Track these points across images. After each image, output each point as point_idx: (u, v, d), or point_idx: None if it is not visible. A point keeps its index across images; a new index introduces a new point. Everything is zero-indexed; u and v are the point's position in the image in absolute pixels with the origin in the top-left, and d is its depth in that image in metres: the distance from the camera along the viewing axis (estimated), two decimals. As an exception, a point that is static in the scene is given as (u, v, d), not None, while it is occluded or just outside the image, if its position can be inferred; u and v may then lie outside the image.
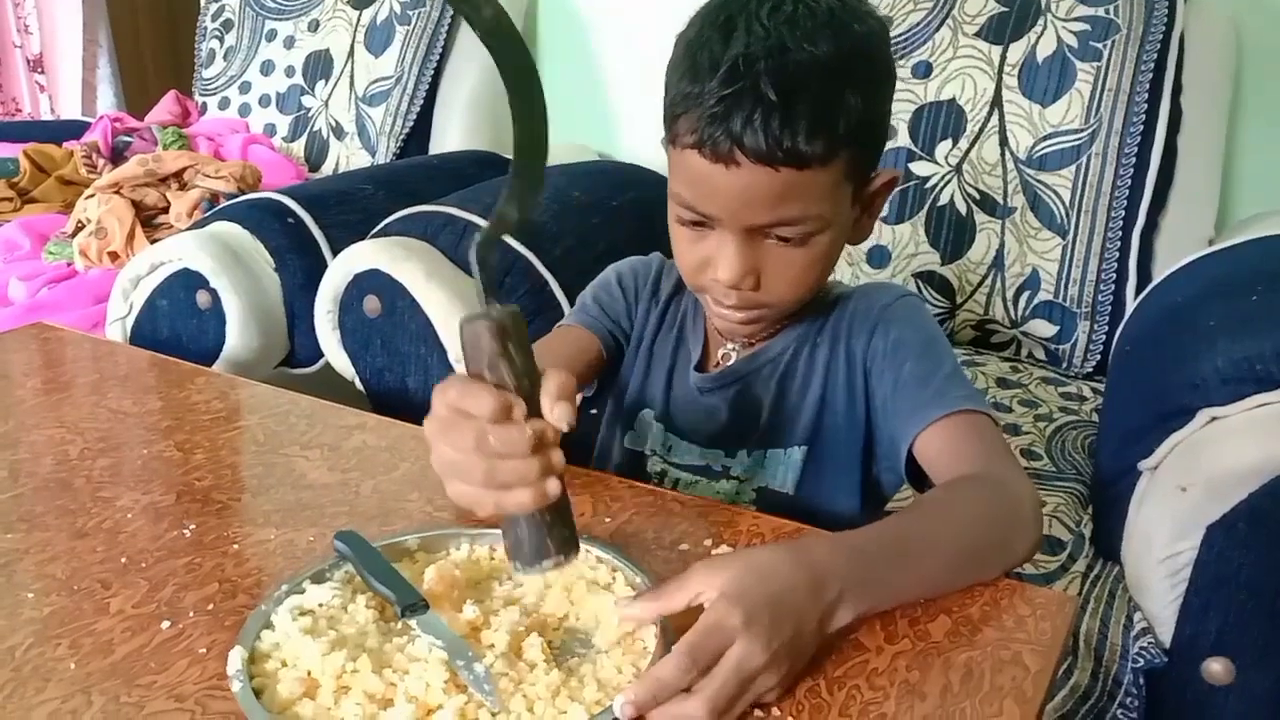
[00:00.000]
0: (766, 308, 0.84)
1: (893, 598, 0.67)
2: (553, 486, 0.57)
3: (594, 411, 1.02)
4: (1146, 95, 1.52)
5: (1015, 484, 0.75)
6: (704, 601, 0.59)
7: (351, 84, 2.28)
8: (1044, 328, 1.57)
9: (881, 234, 1.64)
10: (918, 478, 0.84)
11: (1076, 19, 1.56)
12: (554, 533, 0.59)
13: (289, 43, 2.40)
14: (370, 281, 1.43)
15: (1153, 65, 1.53)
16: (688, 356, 0.95)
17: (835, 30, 0.75)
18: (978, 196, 1.59)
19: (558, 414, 0.58)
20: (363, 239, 1.49)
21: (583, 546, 0.69)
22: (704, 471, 0.93)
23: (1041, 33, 1.58)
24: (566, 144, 2.22)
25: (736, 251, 0.79)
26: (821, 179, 0.76)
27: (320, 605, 0.64)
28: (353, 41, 2.30)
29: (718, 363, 0.94)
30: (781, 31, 0.73)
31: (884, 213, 1.61)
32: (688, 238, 0.82)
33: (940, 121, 1.62)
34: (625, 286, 0.99)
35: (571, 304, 1.43)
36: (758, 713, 0.58)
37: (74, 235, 1.88)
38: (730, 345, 0.93)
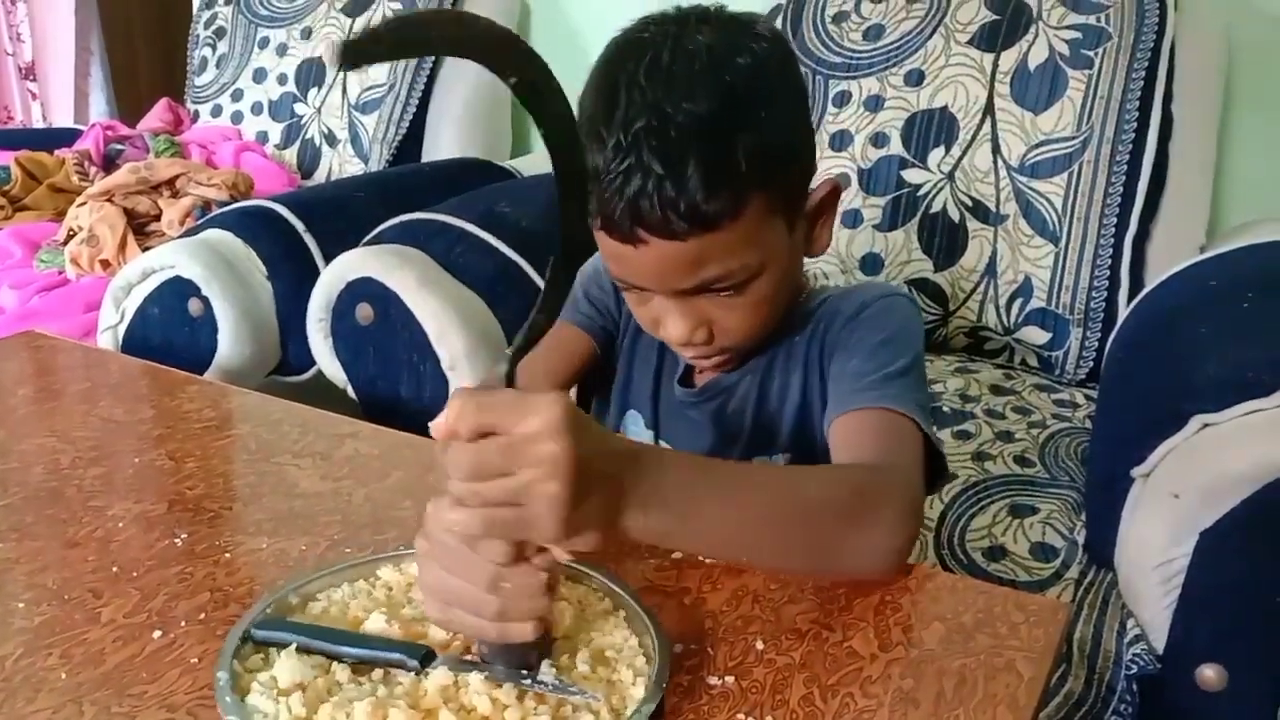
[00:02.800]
0: (728, 351, 0.83)
1: (696, 527, 0.62)
2: (550, 614, 0.58)
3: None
4: (1138, 103, 1.53)
5: (891, 479, 0.71)
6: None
7: (344, 91, 2.28)
8: (1037, 334, 1.57)
9: (874, 241, 1.64)
10: None
11: (1068, 27, 1.57)
12: (538, 644, 0.59)
13: (281, 50, 2.40)
14: (363, 289, 1.43)
15: (1144, 73, 1.53)
16: (674, 363, 0.94)
17: (715, 75, 0.72)
18: (970, 204, 1.59)
19: (563, 550, 0.56)
20: (355, 247, 1.49)
21: (584, 571, 0.69)
22: None
23: (1033, 41, 1.58)
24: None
25: (678, 313, 0.78)
26: (737, 231, 0.73)
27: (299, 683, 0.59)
28: (346, 49, 2.30)
29: (700, 370, 0.93)
30: (658, 94, 0.71)
31: (876, 220, 1.63)
32: (634, 300, 0.82)
33: (932, 129, 1.62)
34: (606, 282, 0.97)
35: (564, 310, 1.44)
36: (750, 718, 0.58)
37: (65, 243, 1.88)
38: None
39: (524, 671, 0.58)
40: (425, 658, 0.59)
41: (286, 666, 0.58)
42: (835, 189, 0.84)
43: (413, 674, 0.59)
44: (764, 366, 0.90)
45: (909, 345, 0.83)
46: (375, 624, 0.63)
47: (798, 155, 0.80)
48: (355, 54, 0.43)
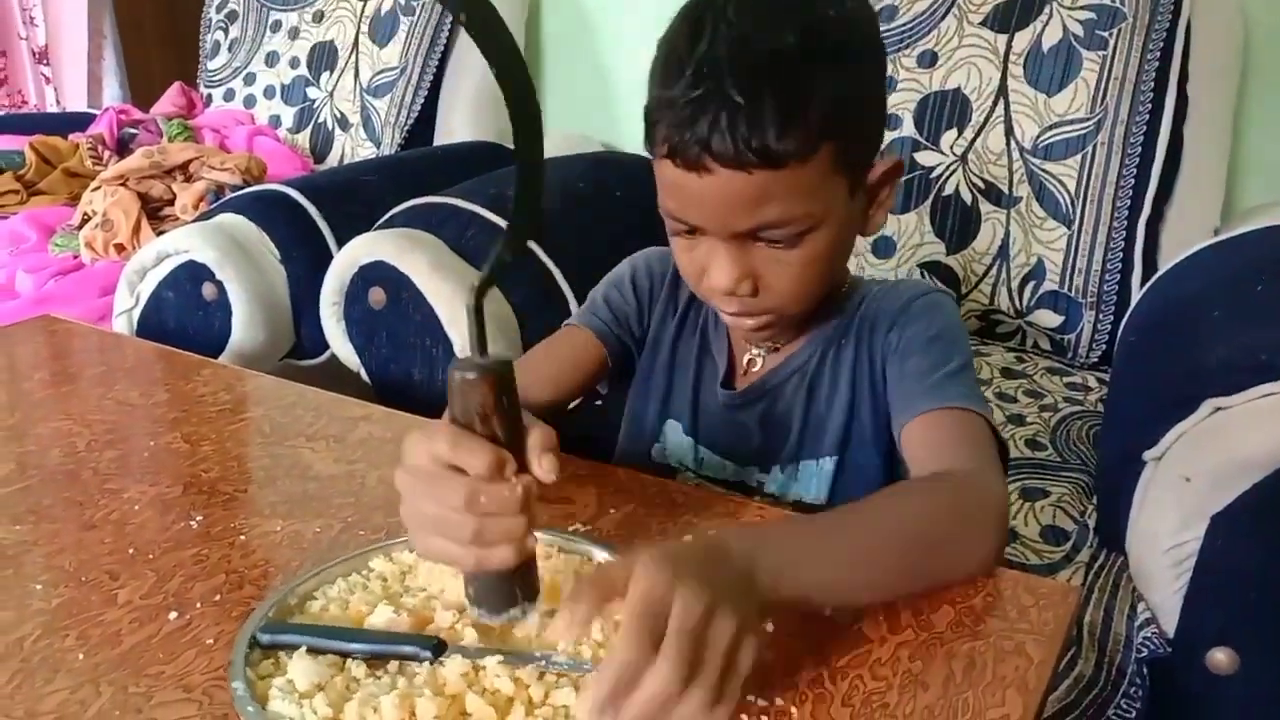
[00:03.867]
0: (771, 312, 0.81)
1: (821, 580, 0.62)
2: (531, 543, 0.57)
3: (599, 403, 1.01)
4: (1153, 84, 1.52)
5: (982, 486, 0.71)
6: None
7: (356, 75, 2.28)
8: (1049, 318, 1.57)
9: (886, 224, 1.63)
10: None
11: (1082, 7, 1.56)
12: (520, 582, 0.59)
13: (293, 34, 2.40)
14: (375, 273, 1.43)
15: (1159, 53, 1.52)
16: (714, 368, 0.92)
17: (805, 15, 0.72)
18: (983, 186, 1.59)
19: (546, 467, 0.58)
20: (368, 231, 1.49)
21: (589, 550, 0.70)
22: (739, 488, 0.91)
23: (1047, 21, 1.57)
24: (570, 134, 2.22)
25: (727, 258, 0.76)
26: (803, 176, 0.72)
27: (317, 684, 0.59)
28: (357, 32, 2.30)
29: (745, 371, 0.91)
30: (745, 24, 0.70)
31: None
32: (682, 246, 0.80)
33: (945, 111, 1.61)
34: (639, 286, 0.95)
35: (575, 294, 1.44)
36: (760, 702, 0.58)
37: (80, 227, 1.89)
38: (755, 350, 0.91)
39: (534, 653, 0.59)
40: (437, 648, 0.59)
41: (301, 668, 0.58)
42: (898, 165, 0.82)
43: (426, 664, 0.59)
44: (813, 368, 0.88)
45: (960, 341, 0.84)
46: (381, 616, 0.63)
47: (871, 115, 0.80)
48: None
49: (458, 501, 0.56)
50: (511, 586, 0.59)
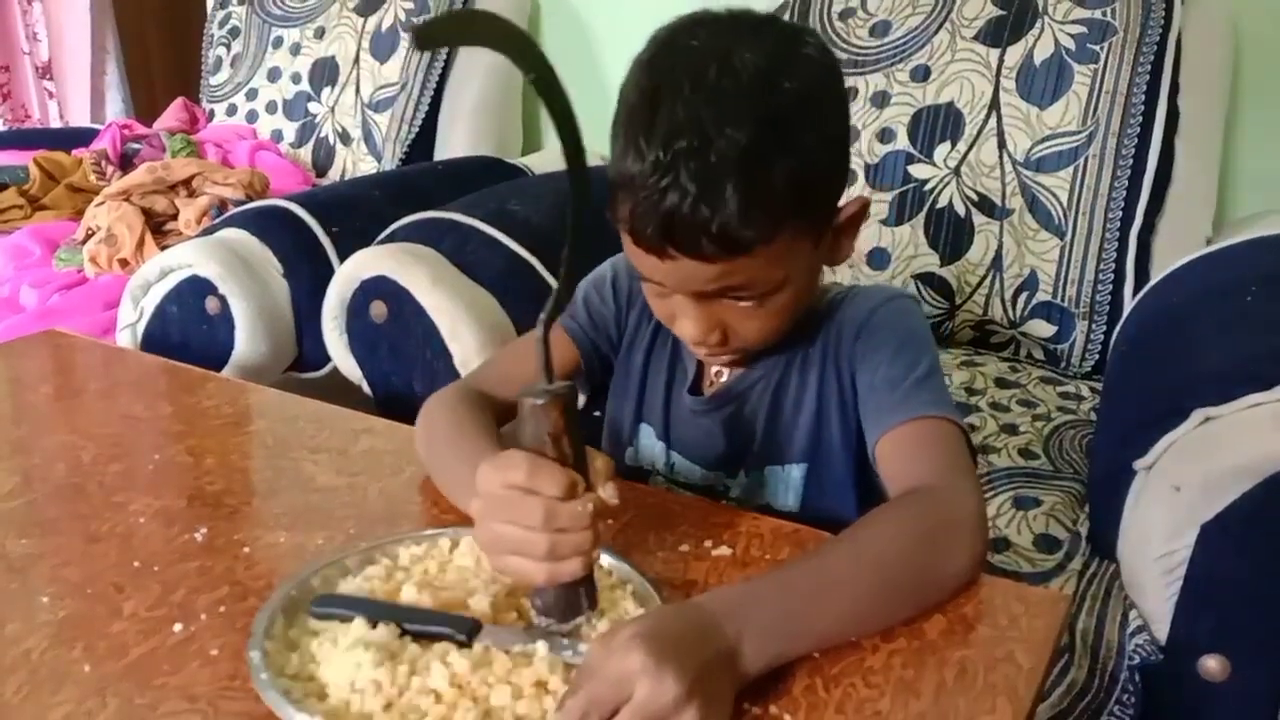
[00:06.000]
0: (739, 353, 0.83)
1: (808, 639, 0.64)
2: (596, 555, 0.62)
3: (597, 414, 1.03)
4: (1144, 96, 1.53)
5: (955, 501, 0.72)
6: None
7: (357, 90, 2.30)
8: (1042, 328, 1.58)
9: (881, 236, 1.65)
10: None
11: (1074, 21, 1.57)
12: (586, 590, 0.63)
13: (295, 49, 2.42)
14: (377, 287, 1.44)
15: (1150, 66, 1.53)
16: (684, 374, 0.93)
17: (762, 100, 0.71)
18: (976, 198, 1.60)
19: (610, 492, 0.63)
20: (369, 245, 1.51)
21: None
22: (707, 492, 0.93)
23: (1039, 35, 1.59)
24: None
25: (695, 314, 0.78)
26: (766, 254, 0.73)
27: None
28: (358, 48, 2.32)
29: (711, 380, 0.93)
30: (701, 114, 0.70)
31: (883, 215, 1.64)
32: (652, 291, 0.81)
33: (939, 124, 1.63)
34: (619, 289, 0.96)
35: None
36: (755, 710, 0.59)
37: (84, 242, 1.90)
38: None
39: (566, 639, 0.62)
40: (472, 629, 0.63)
41: (359, 632, 0.62)
42: (865, 206, 0.83)
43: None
44: (778, 377, 0.89)
45: (926, 346, 0.85)
46: (409, 596, 0.66)
47: (835, 177, 0.80)
48: (426, 38, 0.52)
49: (534, 521, 0.60)
50: (578, 596, 0.63)
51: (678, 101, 0.70)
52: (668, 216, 0.70)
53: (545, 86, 0.57)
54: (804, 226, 0.76)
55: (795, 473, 0.89)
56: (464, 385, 0.92)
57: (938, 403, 0.80)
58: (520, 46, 0.57)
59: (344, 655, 0.60)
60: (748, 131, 0.70)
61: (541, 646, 0.61)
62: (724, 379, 0.92)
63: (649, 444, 0.96)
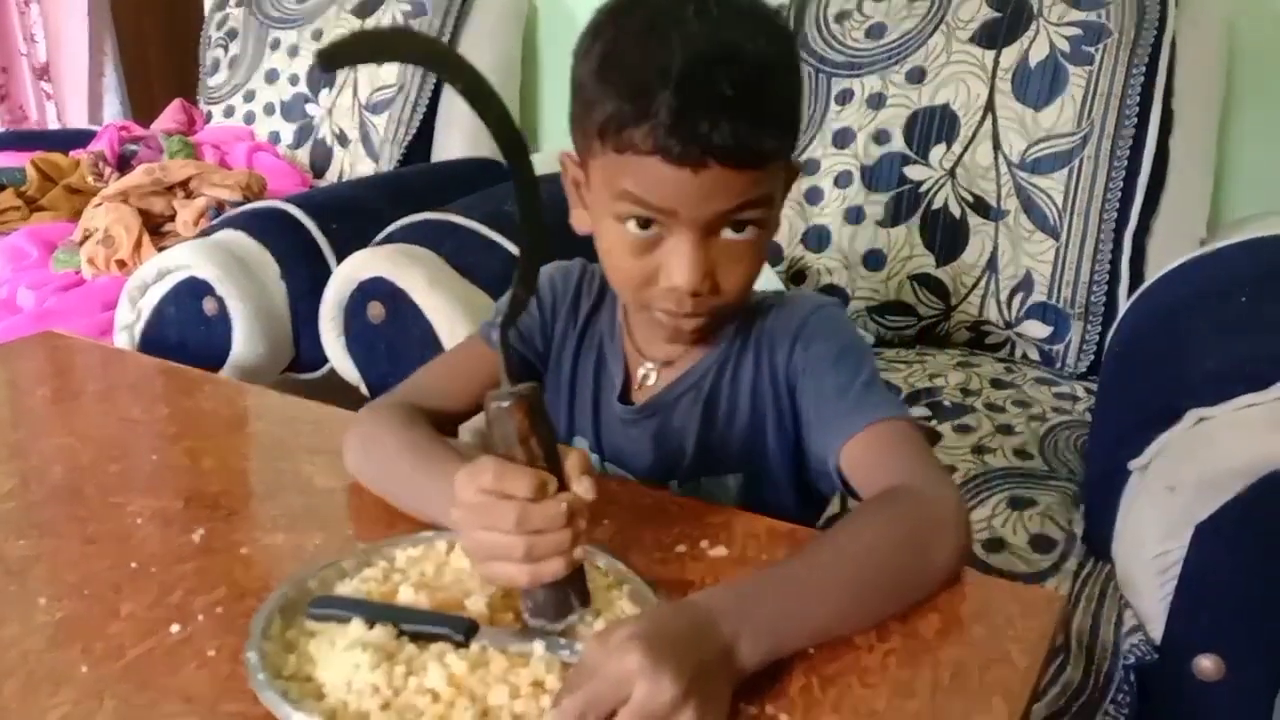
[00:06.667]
0: (716, 312, 0.83)
1: (802, 635, 0.65)
2: (579, 553, 0.62)
3: None
4: (1138, 98, 1.53)
5: (937, 499, 0.73)
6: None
7: (355, 92, 2.30)
8: (1038, 329, 1.59)
9: (876, 237, 1.65)
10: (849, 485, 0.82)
11: (1068, 24, 1.58)
12: (575, 589, 0.63)
13: (293, 51, 2.42)
14: (374, 288, 1.45)
15: (1144, 68, 1.54)
16: (611, 382, 0.93)
17: (768, 20, 0.77)
18: (971, 200, 1.60)
19: (585, 487, 0.62)
20: (367, 246, 1.51)
21: (593, 554, 0.72)
22: None
23: (1034, 38, 1.59)
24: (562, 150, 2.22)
25: (694, 255, 0.77)
26: (774, 171, 0.78)
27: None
28: (355, 49, 2.32)
29: (639, 385, 0.92)
30: (722, 33, 0.73)
31: (878, 216, 1.65)
32: (634, 248, 0.79)
33: (934, 126, 1.63)
34: (543, 301, 0.95)
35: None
36: (751, 710, 0.59)
37: (82, 244, 1.90)
38: (649, 365, 0.92)
39: (563, 639, 0.63)
40: (470, 630, 0.63)
41: (357, 632, 0.62)
42: (796, 172, 0.87)
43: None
44: (708, 388, 0.89)
45: (864, 350, 0.87)
46: (406, 597, 0.67)
47: (802, 119, 0.85)
48: (330, 59, 0.50)
49: (509, 524, 0.60)
50: (567, 595, 0.63)
51: (686, 25, 0.73)
52: (711, 125, 0.71)
53: (474, 95, 0.57)
54: (787, 154, 0.80)
55: (731, 482, 0.90)
56: (396, 400, 0.89)
57: (889, 403, 0.82)
58: (441, 58, 0.58)
59: (341, 656, 0.60)
60: (768, 45, 0.74)
61: (539, 646, 0.62)
62: (650, 383, 0.91)
63: None
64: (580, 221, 0.87)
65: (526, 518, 0.60)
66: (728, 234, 0.78)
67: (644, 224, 0.78)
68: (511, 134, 0.59)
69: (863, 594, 0.68)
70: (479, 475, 0.62)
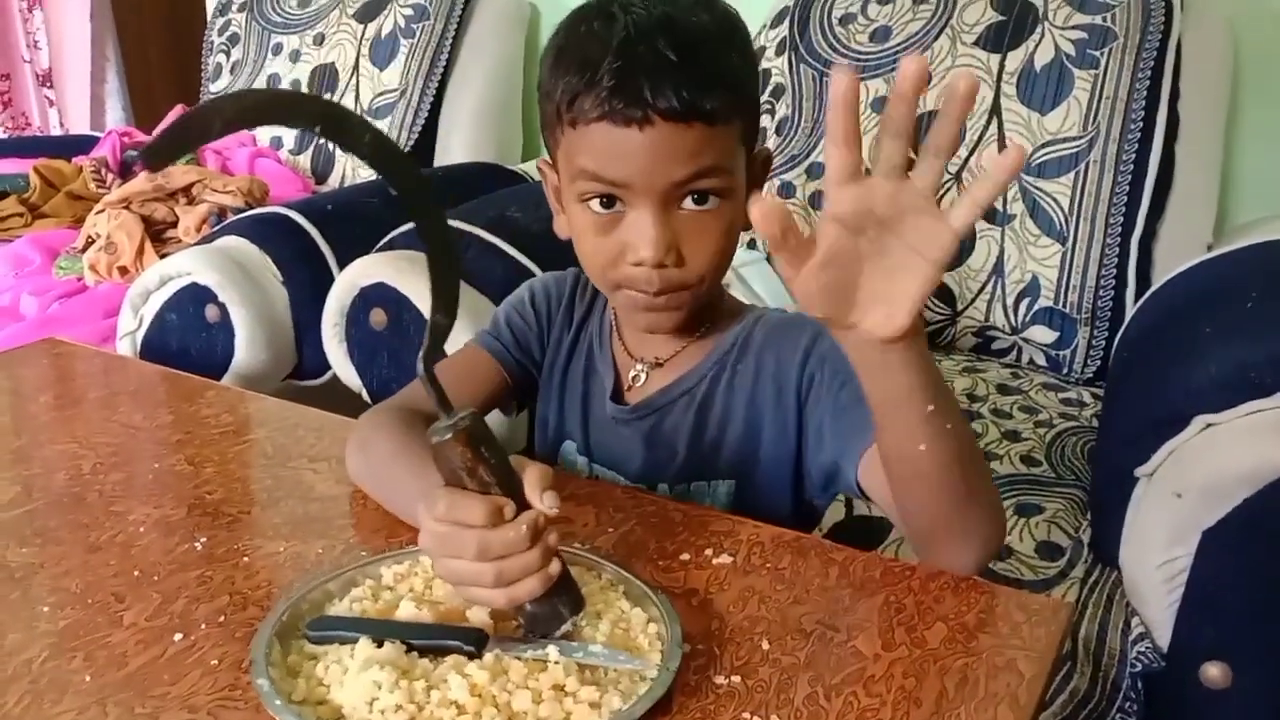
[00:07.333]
0: (688, 287, 0.82)
1: (927, 389, 0.65)
2: (554, 568, 0.61)
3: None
4: (1144, 102, 1.53)
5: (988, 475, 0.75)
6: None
7: (357, 97, 2.30)
8: (1044, 334, 1.58)
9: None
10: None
11: (1074, 27, 1.58)
12: (562, 600, 0.63)
13: (295, 56, 2.42)
14: (376, 294, 1.45)
15: (1150, 72, 1.54)
16: (601, 384, 0.94)
17: (712, 5, 0.81)
18: (977, 204, 1.60)
19: (548, 501, 0.62)
20: (369, 252, 1.51)
21: (601, 563, 0.71)
22: None
23: (1039, 41, 1.59)
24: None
25: (654, 225, 0.78)
26: (725, 137, 0.78)
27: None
28: (358, 55, 2.32)
29: (630, 386, 0.92)
30: (664, 8, 0.77)
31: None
32: (598, 228, 0.81)
33: (939, 130, 1.63)
34: (538, 309, 0.97)
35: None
36: (756, 719, 0.59)
37: (84, 250, 1.91)
38: (640, 365, 0.92)
39: (575, 641, 0.62)
40: (479, 640, 0.62)
41: (366, 654, 0.61)
42: (769, 159, 0.88)
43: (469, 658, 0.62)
44: (702, 394, 0.89)
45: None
46: (406, 611, 0.66)
47: (758, 104, 0.87)
48: (155, 155, 0.51)
49: (470, 554, 0.61)
50: (555, 607, 0.63)
51: (631, 8, 0.78)
52: (651, 82, 0.74)
53: (336, 129, 0.57)
54: (746, 132, 0.81)
55: (722, 489, 0.90)
56: (396, 405, 0.90)
57: None
58: (292, 102, 0.60)
59: (357, 677, 0.59)
60: (709, 18, 0.79)
61: (553, 650, 0.61)
62: (641, 384, 0.92)
63: (571, 460, 0.96)
64: (562, 228, 0.88)
65: (487, 546, 0.60)
66: (689, 205, 0.79)
67: (606, 202, 0.80)
68: (399, 165, 0.62)
69: (964, 452, 0.68)
70: (434, 507, 0.62)
